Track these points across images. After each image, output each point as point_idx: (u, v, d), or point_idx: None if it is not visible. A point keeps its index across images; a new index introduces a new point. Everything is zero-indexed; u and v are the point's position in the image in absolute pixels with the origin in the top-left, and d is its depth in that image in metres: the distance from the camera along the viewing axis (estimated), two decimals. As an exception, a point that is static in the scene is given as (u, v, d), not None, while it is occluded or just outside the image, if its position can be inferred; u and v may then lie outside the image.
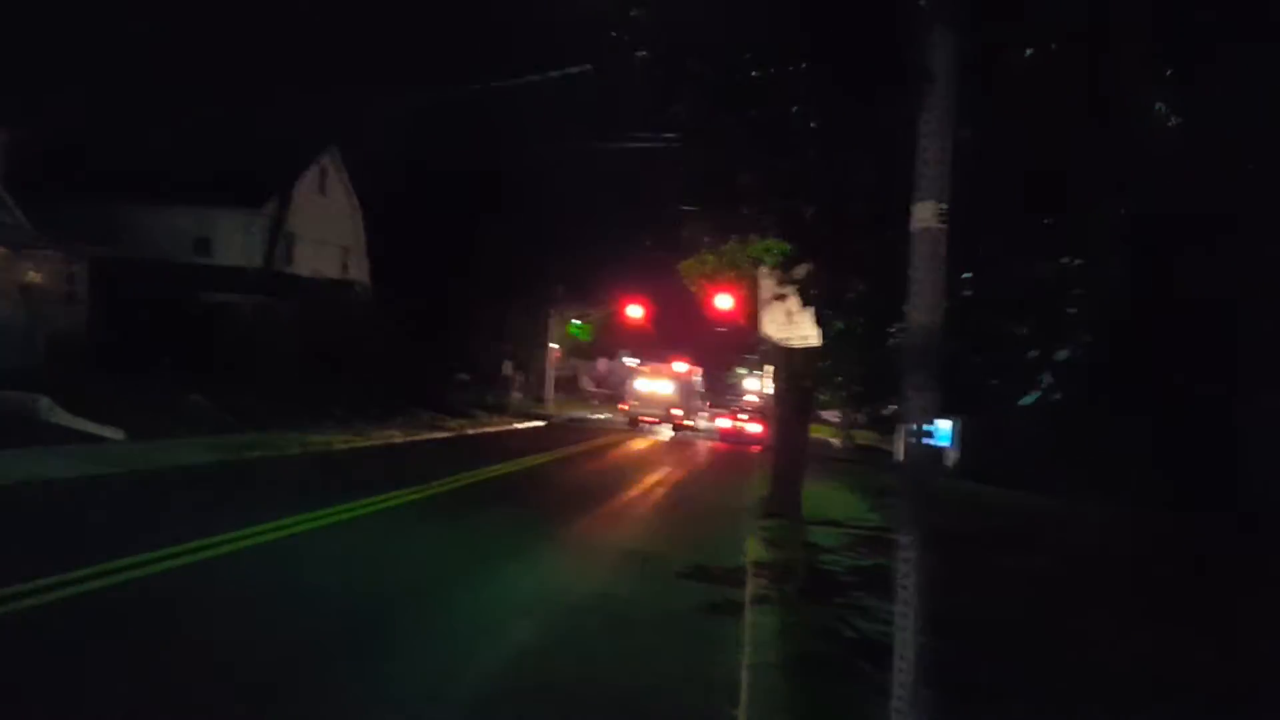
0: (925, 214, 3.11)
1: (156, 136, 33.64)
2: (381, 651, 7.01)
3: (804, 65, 3.40)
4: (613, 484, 20.47)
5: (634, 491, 19.27)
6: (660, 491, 19.96)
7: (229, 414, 23.37)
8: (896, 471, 3.24)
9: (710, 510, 17.78)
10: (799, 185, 3.75)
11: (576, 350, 72.43)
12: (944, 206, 3.10)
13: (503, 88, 22.96)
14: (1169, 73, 3.69)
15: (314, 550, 10.48)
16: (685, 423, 46.29)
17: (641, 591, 10.13)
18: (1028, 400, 4.82)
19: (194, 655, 6.58)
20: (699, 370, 51.33)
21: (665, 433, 42.49)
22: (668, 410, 45.84)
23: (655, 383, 48.52)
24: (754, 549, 12.51)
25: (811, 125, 3.50)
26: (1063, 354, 4.18)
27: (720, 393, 51.54)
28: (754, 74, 3.44)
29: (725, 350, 51.97)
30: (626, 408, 48.44)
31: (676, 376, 48.65)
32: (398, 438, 27.28)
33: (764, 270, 11.65)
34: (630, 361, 55.95)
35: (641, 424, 45.86)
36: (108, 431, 18.76)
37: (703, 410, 47.69)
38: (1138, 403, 4.95)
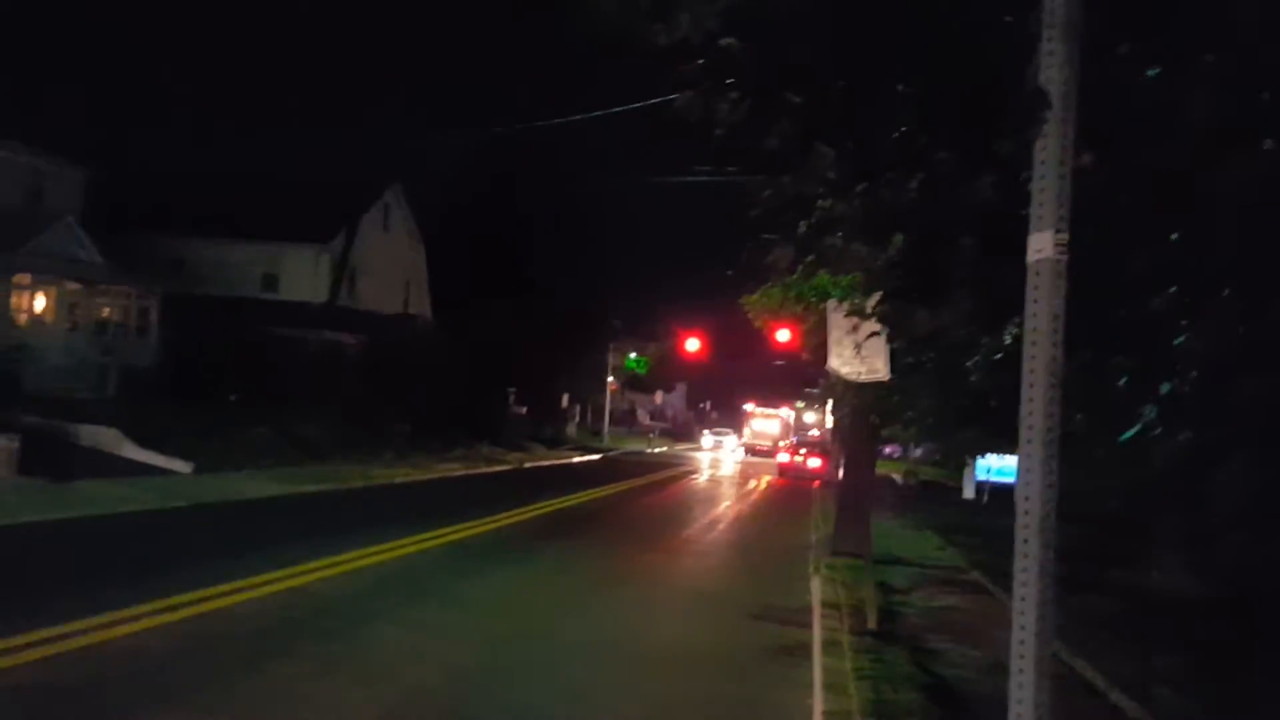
0: (1043, 244, 2.95)
1: (226, 175, 34.51)
2: (456, 696, 6.92)
3: (909, 92, 3.26)
4: (674, 520, 20.25)
5: (695, 528, 19.03)
6: (721, 528, 19.70)
7: (293, 447, 23.67)
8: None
9: (775, 548, 17.48)
10: (900, 216, 3.60)
11: (634, 383, 72.49)
12: (1064, 236, 2.93)
13: (567, 124, 23.09)
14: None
15: (379, 586, 10.41)
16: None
17: (711, 633, 9.90)
18: (1127, 436, 4.56)
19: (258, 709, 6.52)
20: (794, 412, 66.92)
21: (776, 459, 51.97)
22: (775, 442, 58.40)
23: (764, 423, 65.25)
24: (823, 589, 12.21)
25: (915, 154, 3.34)
26: (1166, 387, 3.94)
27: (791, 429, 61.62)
28: (854, 103, 3.29)
29: (785, 384, 56.05)
30: (744, 440, 64.59)
31: (779, 418, 64.85)
32: (457, 471, 27.41)
33: (832, 304, 11.40)
34: (748, 407, 70.68)
35: (755, 451, 59.78)
36: (176, 464, 19.08)
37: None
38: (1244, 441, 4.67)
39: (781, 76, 3.42)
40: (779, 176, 3.77)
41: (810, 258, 5.09)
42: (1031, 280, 3.01)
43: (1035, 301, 2.98)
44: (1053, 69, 2.94)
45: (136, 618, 7.81)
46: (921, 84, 3.23)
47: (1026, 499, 2.95)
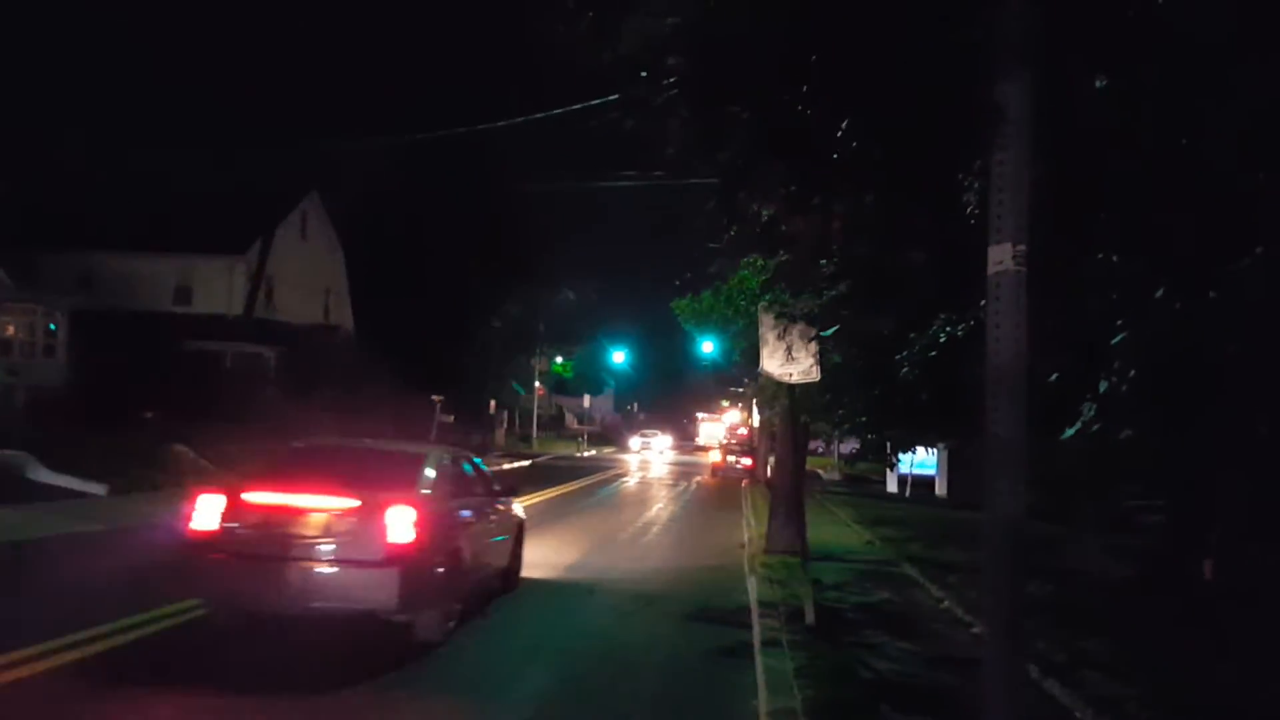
0: (1002, 256, 2.99)
1: (136, 186, 33.48)
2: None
3: (860, 106, 3.28)
4: (607, 523, 20.20)
5: (630, 531, 19.00)
6: (656, 530, 19.71)
7: (213, 463, 22.98)
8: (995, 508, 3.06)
9: (710, 548, 17.54)
10: (854, 229, 3.63)
11: (560, 387, 72.29)
12: (1022, 248, 2.99)
13: (491, 129, 22.92)
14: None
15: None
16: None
17: (650, 635, 9.88)
18: (1068, 433, 4.69)
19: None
20: (736, 414, 71.72)
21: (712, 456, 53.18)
22: (719, 443, 60.97)
23: (712, 426, 76.97)
24: (759, 588, 12.30)
25: (869, 167, 3.38)
26: (1103, 386, 4.06)
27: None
28: (805, 117, 3.32)
29: (713, 385, 56.86)
30: (697, 442, 76.87)
31: (722, 423, 74.08)
32: (385, 482, 26.86)
33: (763, 306, 11.57)
34: (700, 415, 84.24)
35: (705, 450, 63.93)
36: (91, 487, 18.35)
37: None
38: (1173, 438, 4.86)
39: (731, 92, 3.43)
40: (734, 190, 3.78)
41: (750, 258, 5.15)
42: (992, 293, 3.04)
43: (998, 314, 3.02)
44: (1009, 84, 2.99)
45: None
46: (875, 98, 3.26)
47: (994, 509, 2.99)
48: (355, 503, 7.81)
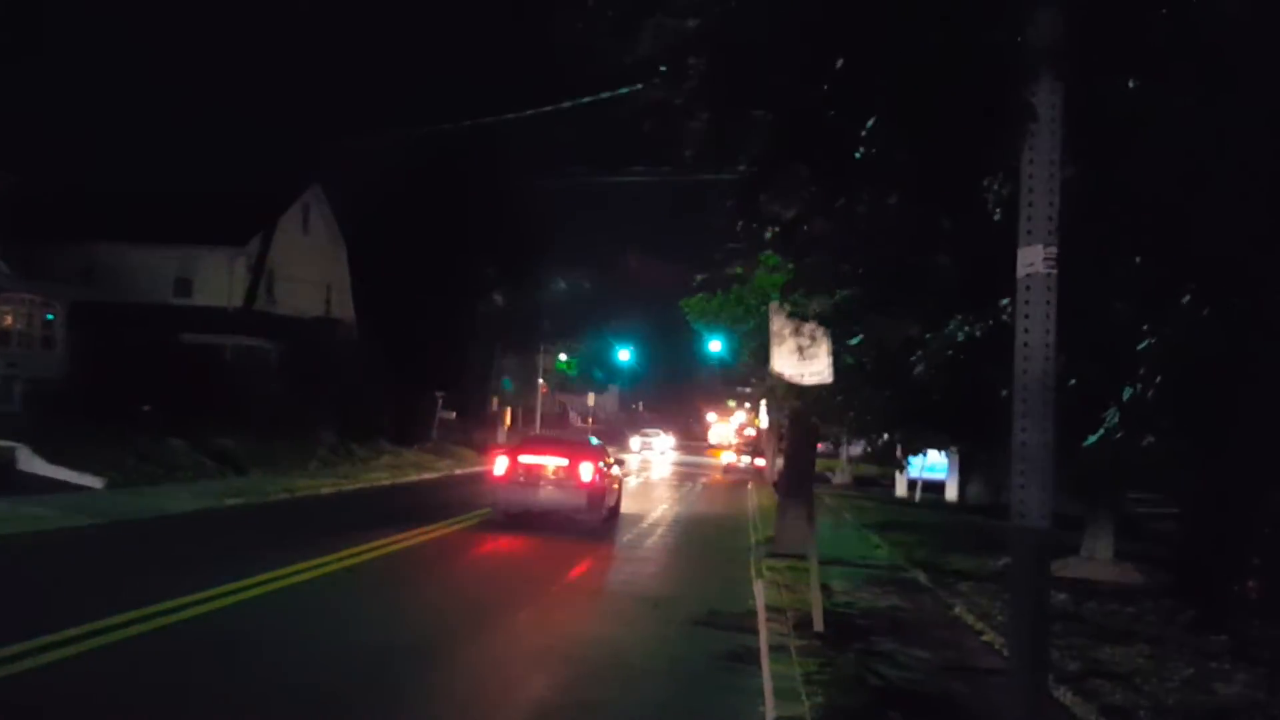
0: (1032, 258, 2.86)
1: (136, 177, 33.35)
2: (385, 711, 6.68)
3: (884, 108, 3.16)
4: (610, 526, 20.04)
5: (633, 533, 18.85)
6: (660, 531, 19.59)
7: (212, 458, 22.86)
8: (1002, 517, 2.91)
9: (716, 550, 17.43)
10: (878, 230, 3.51)
11: (564, 385, 72.13)
12: (1053, 250, 2.86)
13: (496, 122, 22.78)
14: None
15: (300, 606, 10.05)
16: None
17: (655, 640, 9.76)
18: (1091, 441, 4.63)
19: None
20: (743, 415, 76.05)
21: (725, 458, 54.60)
22: (729, 444, 66.12)
23: (721, 426, 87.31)
24: (766, 592, 12.16)
25: (891, 169, 3.26)
26: (1128, 393, 3.96)
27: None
28: (827, 119, 3.21)
29: (720, 384, 57.24)
30: (708, 440, 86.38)
31: (731, 424, 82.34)
32: (384, 480, 26.83)
33: (774, 306, 11.40)
34: (710, 417, 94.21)
35: (715, 450, 69.58)
36: (87, 480, 18.23)
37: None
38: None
39: (752, 93, 3.32)
40: (755, 192, 3.67)
41: (765, 255, 5.00)
42: (1022, 295, 2.90)
43: (1027, 316, 2.88)
44: (1040, 83, 2.88)
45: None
46: (899, 99, 3.14)
47: (1022, 516, 2.87)
48: (567, 461, 17.36)
